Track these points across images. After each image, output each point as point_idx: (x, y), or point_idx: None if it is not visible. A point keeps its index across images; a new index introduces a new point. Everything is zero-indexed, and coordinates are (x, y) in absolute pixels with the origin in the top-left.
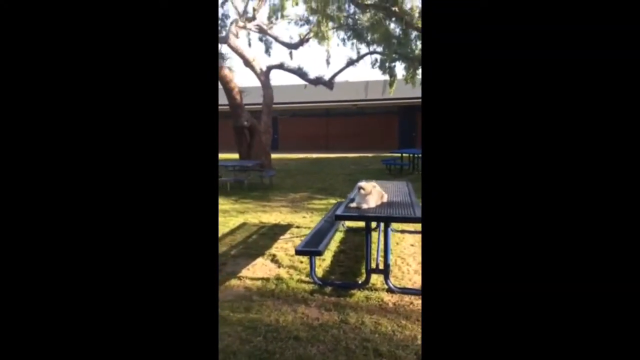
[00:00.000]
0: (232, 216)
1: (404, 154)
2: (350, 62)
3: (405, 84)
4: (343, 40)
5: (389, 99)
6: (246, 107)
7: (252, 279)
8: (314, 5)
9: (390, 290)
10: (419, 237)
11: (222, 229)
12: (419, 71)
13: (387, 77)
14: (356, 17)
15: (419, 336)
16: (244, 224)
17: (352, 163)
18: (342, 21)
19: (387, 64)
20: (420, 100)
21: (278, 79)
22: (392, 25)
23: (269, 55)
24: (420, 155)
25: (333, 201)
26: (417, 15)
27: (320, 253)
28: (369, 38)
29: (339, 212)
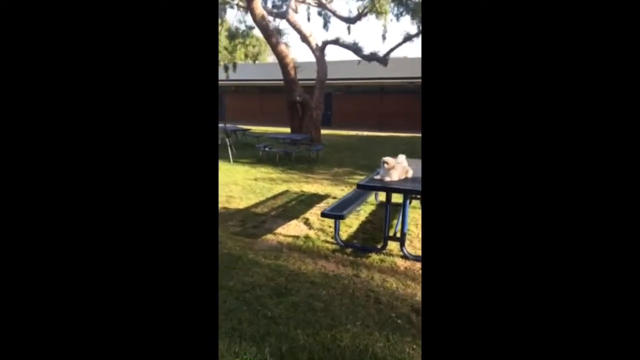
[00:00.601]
0: (277, 184)
1: None
2: (408, 38)
3: None
4: (397, 16)
5: None
6: (300, 82)
7: (284, 235)
8: None
9: (404, 257)
10: None
11: (267, 194)
12: None
13: None
14: None
15: (419, 293)
16: (286, 191)
17: (403, 143)
18: None
19: None
20: None
21: (334, 54)
22: None
23: (327, 29)
24: None
25: None
26: None
27: (342, 217)
28: (420, 13)
29: (362, 182)
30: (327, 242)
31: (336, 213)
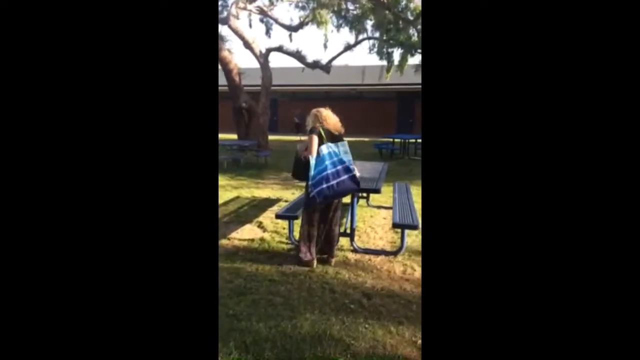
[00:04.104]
0: (227, 190)
1: (395, 139)
2: (348, 47)
3: (395, 70)
4: (337, 27)
5: (387, 85)
6: (245, 88)
7: (239, 239)
8: None
9: (354, 250)
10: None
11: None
12: (411, 58)
13: (384, 63)
14: (347, 6)
15: (369, 281)
16: (237, 197)
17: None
18: (334, 9)
19: (384, 50)
20: (419, 87)
21: (277, 61)
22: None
23: (269, 37)
24: (410, 140)
25: None
26: (403, 4)
27: (297, 217)
28: (358, 26)
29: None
30: (282, 242)
31: (290, 214)
